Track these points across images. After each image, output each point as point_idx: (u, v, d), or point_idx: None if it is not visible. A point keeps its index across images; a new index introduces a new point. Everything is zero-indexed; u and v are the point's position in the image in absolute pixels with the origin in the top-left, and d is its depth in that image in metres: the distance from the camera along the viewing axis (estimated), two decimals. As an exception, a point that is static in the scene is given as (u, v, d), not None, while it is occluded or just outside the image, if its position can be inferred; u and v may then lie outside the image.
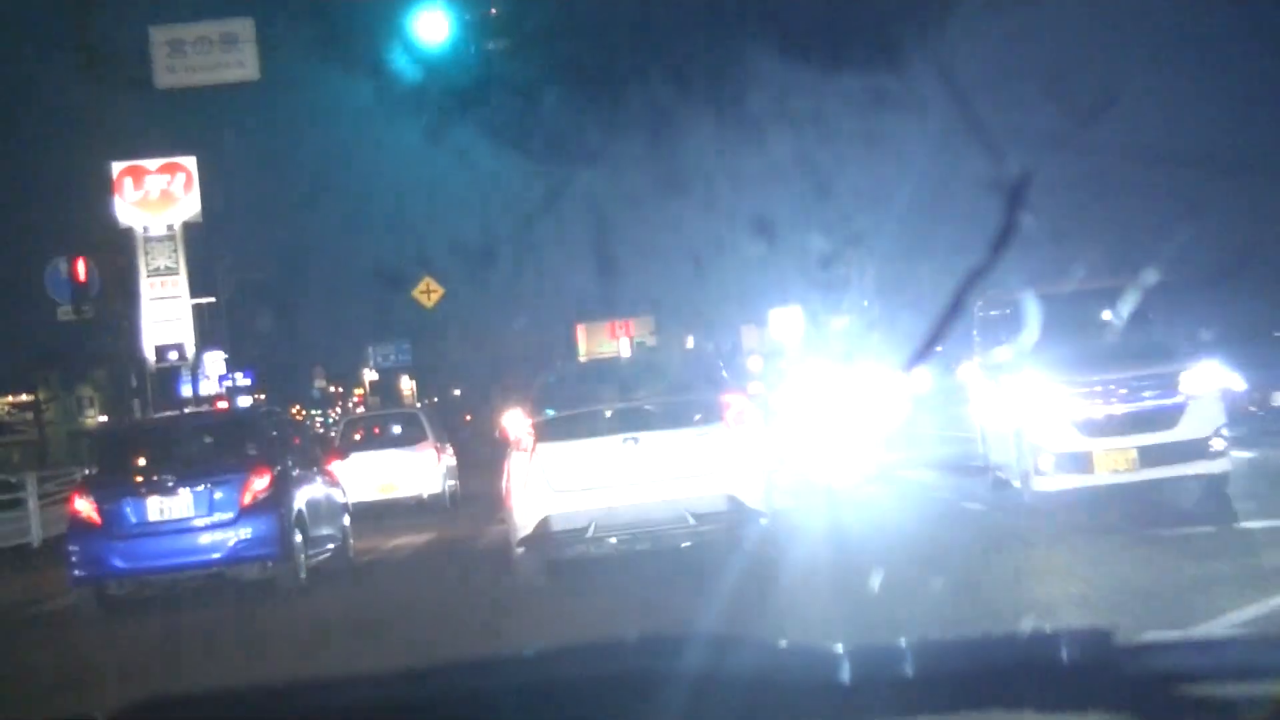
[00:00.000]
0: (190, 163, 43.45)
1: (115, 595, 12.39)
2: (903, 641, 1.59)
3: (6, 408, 74.31)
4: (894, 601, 8.07)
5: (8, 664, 10.01)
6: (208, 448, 13.43)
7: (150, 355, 44.11)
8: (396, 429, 23.97)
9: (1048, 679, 1.54)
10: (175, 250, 44.15)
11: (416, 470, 21.83)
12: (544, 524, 10.11)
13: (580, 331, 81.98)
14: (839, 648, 1.58)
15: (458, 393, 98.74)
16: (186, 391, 56.73)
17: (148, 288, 44.31)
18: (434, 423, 25.25)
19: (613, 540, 10.08)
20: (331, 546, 13.55)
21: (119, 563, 12.08)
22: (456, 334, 71.90)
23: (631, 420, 10.51)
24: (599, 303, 70.27)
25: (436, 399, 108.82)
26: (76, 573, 12.27)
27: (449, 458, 23.45)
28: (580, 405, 11.08)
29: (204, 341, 44.21)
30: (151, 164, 43.46)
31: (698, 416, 10.57)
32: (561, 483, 10.17)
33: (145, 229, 43.70)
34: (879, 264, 47.25)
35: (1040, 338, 11.53)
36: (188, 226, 43.76)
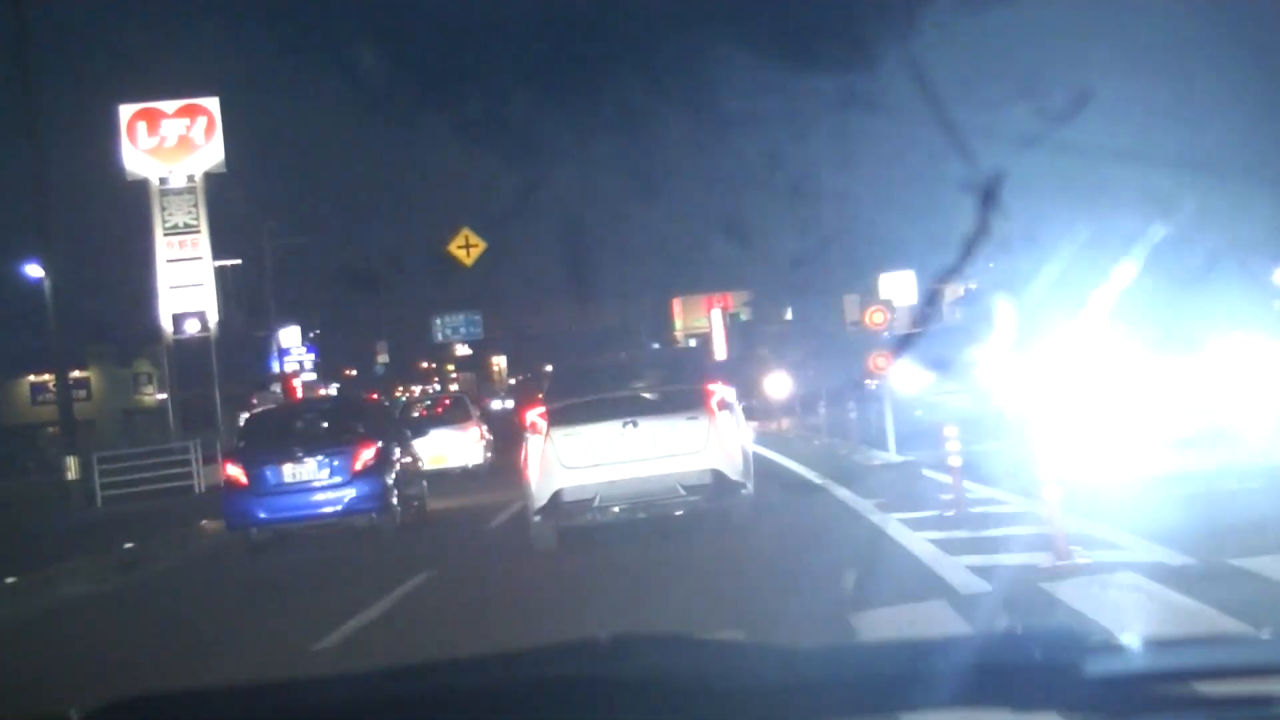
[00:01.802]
0: (213, 105, 37.59)
1: (257, 539, 15.36)
2: (877, 640, 2.15)
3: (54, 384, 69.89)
4: None
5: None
6: (327, 426, 16.43)
7: (167, 325, 39.01)
8: (446, 410, 27.32)
9: (1020, 679, 1.56)
10: (196, 205, 38.70)
11: (462, 445, 24.96)
12: (557, 496, 11.57)
13: (676, 305, 77.48)
14: (813, 647, 1.62)
15: (549, 369, 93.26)
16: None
17: (164, 248, 39.00)
18: (476, 406, 29.76)
19: (615, 509, 11.54)
20: (415, 504, 16.64)
21: (262, 514, 15.08)
22: (547, 306, 66.14)
23: (630, 408, 11.81)
24: (695, 276, 64.56)
25: (529, 375, 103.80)
26: (230, 522, 15.55)
27: (487, 434, 26.95)
28: (587, 395, 12.34)
29: (230, 309, 38.81)
30: (168, 106, 37.43)
31: (685, 404, 11.81)
32: (571, 461, 11.61)
33: (161, 180, 38.57)
34: (1009, 219, 40.92)
35: None
36: (210, 178, 38.63)
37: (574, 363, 18.18)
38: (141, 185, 37.06)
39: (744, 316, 72.37)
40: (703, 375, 12.77)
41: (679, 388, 12.28)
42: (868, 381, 19.83)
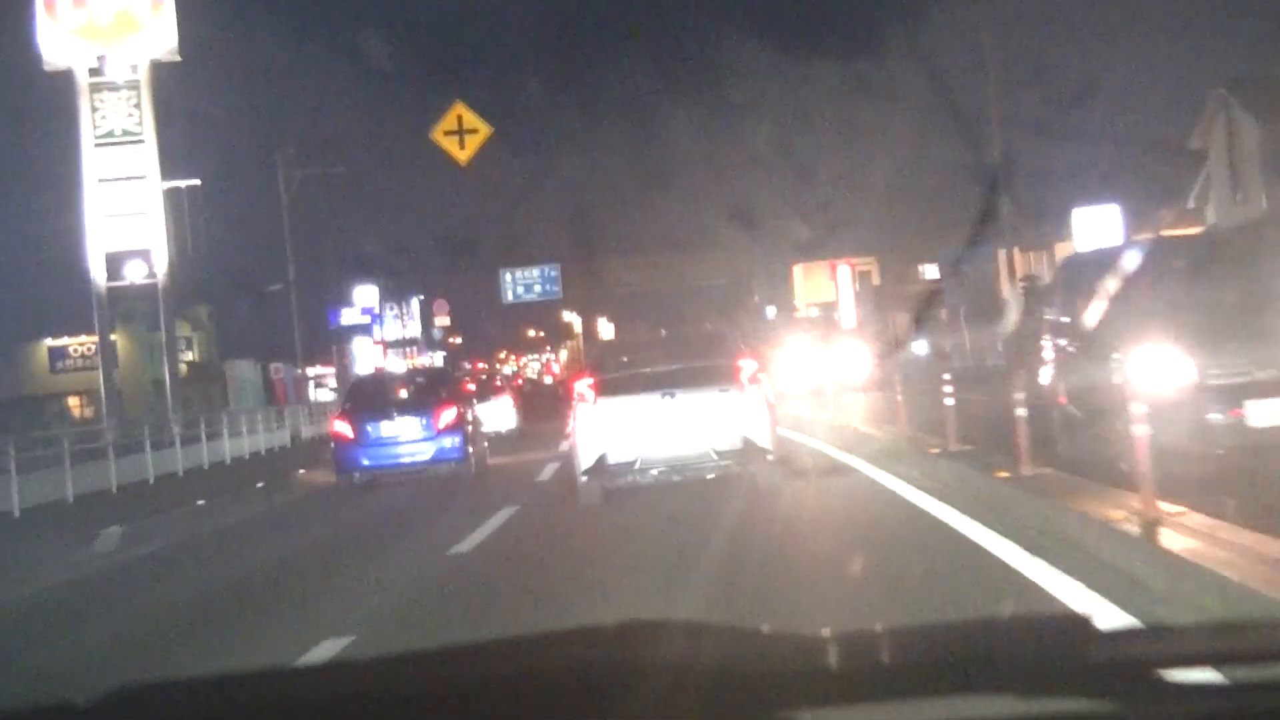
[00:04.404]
0: (161, -35, 28.26)
1: (359, 483, 18.11)
2: (885, 627, 1.61)
3: (81, 349, 61.13)
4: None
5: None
6: (417, 391, 19.52)
7: (99, 271, 29.44)
8: (487, 384, 32.29)
9: (1028, 664, 1.57)
10: (139, 105, 28.98)
11: (499, 413, 28.30)
12: (601, 459, 12.47)
13: (798, 272, 69.09)
14: (821, 634, 1.61)
15: (664, 334, 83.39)
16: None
17: (94, 162, 29.47)
18: (508, 380, 37.63)
19: (654, 472, 12.52)
20: (480, 458, 19.07)
21: (365, 462, 17.89)
22: (644, 259, 56.11)
23: (668, 380, 12.73)
24: (817, 240, 55.47)
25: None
26: (339, 469, 18.27)
27: (517, 405, 30.88)
28: (631, 368, 13.40)
29: (187, 242, 28.81)
30: (100, -32, 28.47)
31: (719, 377, 12.72)
32: (615, 427, 12.48)
33: (92, 71, 28.30)
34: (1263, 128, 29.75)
35: None
36: (159, 69, 29.15)
37: (617, 340, 20.37)
38: (65, 78, 27.23)
39: (874, 283, 63.25)
40: (735, 352, 13.40)
41: (714, 362, 13.07)
42: None
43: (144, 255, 27.38)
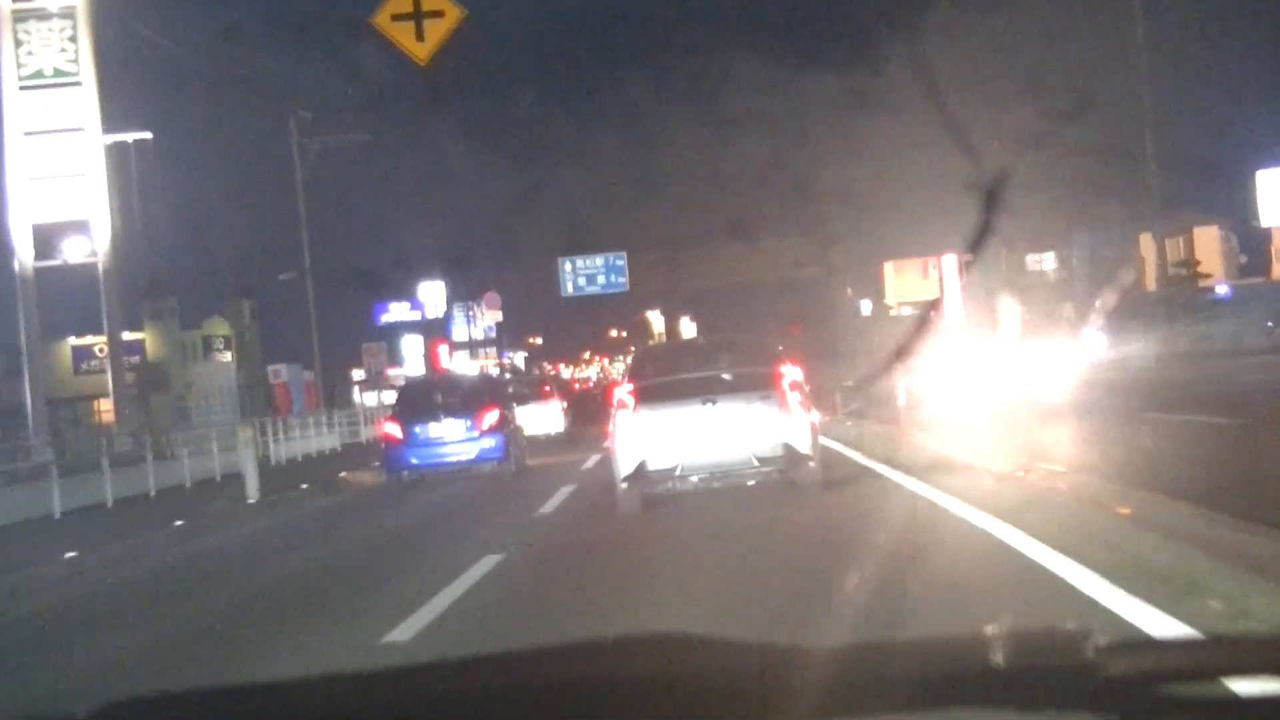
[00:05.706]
0: None
1: (407, 481, 19.50)
2: (885, 640, 1.61)
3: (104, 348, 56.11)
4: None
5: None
6: (462, 394, 20.72)
7: (22, 244, 23.88)
8: (533, 389, 32.00)
9: (1029, 678, 1.56)
10: (74, 39, 23.57)
11: (547, 416, 29.98)
12: (642, 466, 12.56)
13: (888, 270, 66.57)
14: (817, 646, 1.61)
15: (703, 340, 79.75)
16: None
17: (18, 109, 24.00)
18: (557, 384, 38.17)
19: (694, 479, 12.61)
20: (520, 457, 20.47)
21: (414, 460, 19.40)
22: (739, 256, 50.58)
23: (709, 387, 12.80)
24: (907, 236, 51.51)
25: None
26: (388, 468, 19.93)
27: (564, 408, 32.24)
28: (670, 375, 13.50)
29: (134, 213, 23.07)
30: None
31: (759, 384, 12.80)
32: (656, 435, 12.57)
33: None
34: None
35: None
36: (100, -7, 23.46)
37: (657, 346, 20.74)
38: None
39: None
40: (774, 358, 13.44)
41: (753, 369, 13.09)
42: None
43: (82, 228, 21.81)
